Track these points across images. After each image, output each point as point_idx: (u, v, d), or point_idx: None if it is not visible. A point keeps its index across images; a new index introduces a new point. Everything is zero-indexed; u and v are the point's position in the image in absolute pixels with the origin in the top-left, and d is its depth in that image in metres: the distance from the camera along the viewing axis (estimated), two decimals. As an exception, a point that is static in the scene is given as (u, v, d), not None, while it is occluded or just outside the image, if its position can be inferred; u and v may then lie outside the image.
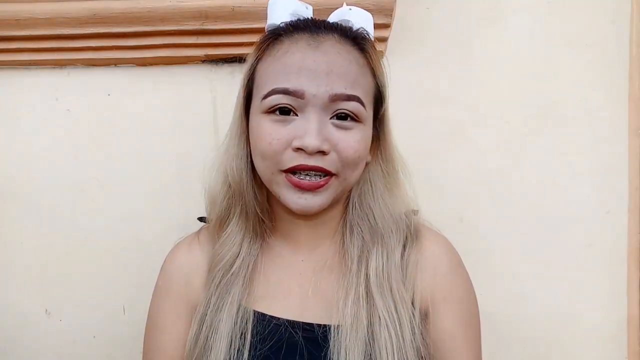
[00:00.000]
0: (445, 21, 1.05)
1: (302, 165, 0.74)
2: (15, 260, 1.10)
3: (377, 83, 0.80)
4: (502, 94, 1.06)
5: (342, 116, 0.76)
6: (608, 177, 1.06)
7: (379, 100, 0.81)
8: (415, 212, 0.85)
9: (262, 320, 0.79)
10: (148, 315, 0.88)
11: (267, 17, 0.84)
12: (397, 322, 0.76)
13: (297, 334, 0.78)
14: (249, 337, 0.78)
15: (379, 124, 0.82)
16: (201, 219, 0.90)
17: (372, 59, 0.79)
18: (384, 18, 0.99)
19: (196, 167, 1.05)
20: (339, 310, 0.77)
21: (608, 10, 1.05)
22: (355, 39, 0.79)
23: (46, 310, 1.10)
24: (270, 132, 0.75)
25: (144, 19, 1.00)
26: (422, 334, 0.79)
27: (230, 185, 0.82)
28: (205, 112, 1.08)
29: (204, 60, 1.06)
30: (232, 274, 0.81)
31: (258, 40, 0.81)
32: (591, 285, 1.07)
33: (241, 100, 0.82)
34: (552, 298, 1.07)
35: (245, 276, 0.81)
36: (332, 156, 0.75)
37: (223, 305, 0.79)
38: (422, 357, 0.78)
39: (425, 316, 0.80)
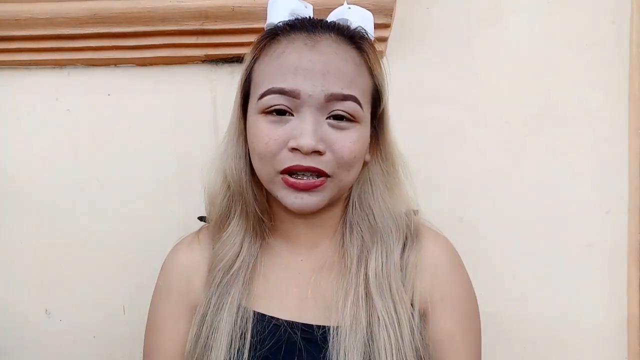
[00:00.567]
0: (445, 21, 1.05)
1: (297, 166, 0.74)
2: (15, 260, 1.10)
3: (374, 82, 0.80)
4: (502, 94, 1.06)
5: (338, 116, 0.75)
6: (608, 177, 1.06)
7: (376, 99, 0.81)
8: (415, 212, 0.85)
9: (262, 321, 0.79)
10: (148, 315, 0.88)
11: (266, 17, 0.84)
12: (396, 323, 0.76)
13: (297, 334, 0.78)
14: (248, 337, 0.78)
15: (378, 123, 0.82)
16: (201, 219, 0.90)
17: (369, 58, 0.79)
18: (384, 18, 0.99)
19: (196, 167, 1.05)
20: (338, 311, 0.77)
21: (608, 10, 1.05)
22: (352, 38, 0.79)
23: (46, 310, 1.10)
24: (266, 133, 0.75)
25: (144, 19, 1.00)
26: (421, 334, 0.79)
27: (229, 186, 0.82)
28: (205, 112, 1.08)
29: (204, 60, 1.06)
30: (232, 274, 0.81)
31: (255, 40, 0.81)
32: (591, 285, 1.07)
33: (239, 100, 0.82)
34: (552, 298, 1.07)
35: (245, 276, 0.81)
36: (328, 157, 0.75)
37: (223, 305, 0.79)
38: (421, 357, 0.78)
39: (424, 316, 0.80)
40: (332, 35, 0.78)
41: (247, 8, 0.99)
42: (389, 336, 0.75)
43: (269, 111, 0.75)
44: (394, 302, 0.77)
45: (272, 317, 0.79)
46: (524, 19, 1.05)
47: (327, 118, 0.75)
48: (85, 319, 1.10)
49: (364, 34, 0.81)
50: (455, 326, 0.80)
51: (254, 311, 0.80)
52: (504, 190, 1.07)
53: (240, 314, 0.79)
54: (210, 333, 0.79)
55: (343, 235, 0.82)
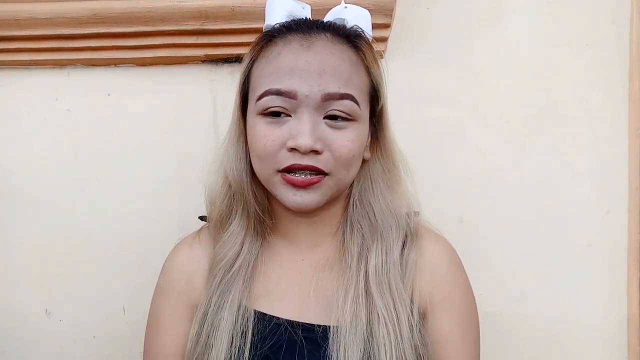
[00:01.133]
0: (445, 21, 1.05)
1: (295, 164, 0.74)
2: (15, 260, 1.10)
3: (371, 80, 0.80)
4: (502, 94, 1.06)
5: (335, 116, 0.76)
6: (608, 177, 1.06)
7: (374, 97, 0.81)
8: (416, 214, 0.85)
9: (263, 320, 0.79)
10: (149, 314, 0.88)
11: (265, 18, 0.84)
12: (395, 320, 0.76)
13: (297, 333, 0.78)
14: (249, 336, 0.78)
15: (377, 121, 0.82)
16: (202, 218, 0.90)
17: (366, 56, 0.79)
18: (384, 18, 0.99)
19: (196, 167, 1.05)
20: (339, 309, 0.77)
21: (608, 10, 1.05)
22: (348, 37, 0.79)
23: (46, 310, 1.10)
24: (264, 134, 0.76)
25: (144, 19, 1.00)
26: (420, 332, 0.79)
27: (230, 186, 0.83)
28: (205, 112, 1.08)
29: (204, 60, 1.06)
30: (233, 273, 0.81)
31: (253, 41, 0.82)
32: (591, 285, 1.07)
33: (238, 102, 0.83)
34: (552, 298, 1.07)
35: (245, 275, 0.81)
36: (326, 156, 0.75)
37: (224, 303, 0.80)
38: (420, 355, 0.78)
39: (423, 316, 0.81)
40: (328, 35, 0.78)
41: (247, 8, 0.99)
42: (388, 333, 0.75)
43: (266, 112, 0.76)
44: (393, 300, 0.77)
45: (273, 316, 0.80)
46: (524, 19, 1.05)
47: (324, 117, 0.76)
48: (85, 319, 1.10)
49: (360, 32, 0.81)
50: (454, 328, 0.81)
51: (255, 310, 0.80)
52: (504, 190, 1.07)
53: (241, 313, 0.79)
54: (211, 332, 0.79)
55: (344, 233, 0.83)
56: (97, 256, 1.09)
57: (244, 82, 0.81)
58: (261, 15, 0.97)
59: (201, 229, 0.90)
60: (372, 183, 0.83)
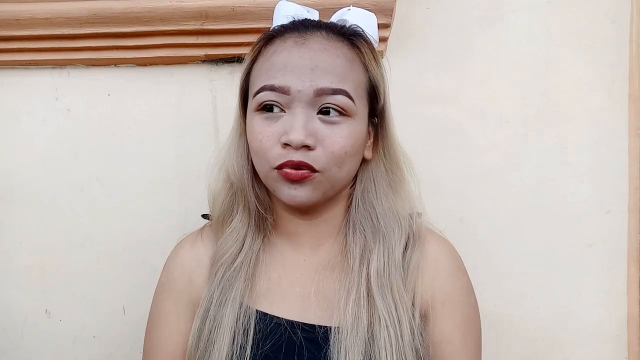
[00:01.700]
0: (445, 21, 1.05)
1: (288, 161, 0.75)
2: (15, 260, 1.10)
3: (369, 77, 0.80)
4: (502, 94, 1.06)
5: (328, 111, 0.76)
6: (608, 177, 1.06)
7: (373, 95, 0.81)
8: (419, 215, 0.85)
9: (264, 320, 0.80)
10: (150, 311, 0.88)
11: (269, 22, 0.85)
12: (396, 323, 0.76)
13: (298, 334, 0.78)
14: (251, 334, 0.78)
15: (379, 120, 0.82)
16: (205, 216, 0.90)
17: (363, 54, 0.80)
18: (384, 18, 0.99)
19: (196, 167, 1.06)
20: (340, 310, 0.78)
21: (608, 10, 1.05)
22: (344, 34, 0.80)
23: (46, 310, 1.10)
24: (260, 130, 0.77)
25: (144, 19, 1.00)
26: (421, 335, 0.79)
27: (232, 184, 0.83)
28: (205, 112, 1.08)
29: (204, 60, 1.06)
30: (234, 269, 0.81)
31: (254, 42, 0.83)
32: (591, 285, 1.07)
33: (239, 101, 0.84)
34: (552, 298, 1.07)
35: (247, 272, 0.81)
36: (318, 152, 0.75)
37: (226, 300, 0.80)
38: (421, 358, 0.78)
39: (425, 318, 0.81)
40: (323, 32, 0.79)
41: (247, 8, 0.99)
42: (389, 336, 0.75)
43: (261, 108, 0.77)
44: (394, 302, 0.77)
45: (274, 316, 0.80)
46: (524, 19, 1.05)
47: (317, 113, 0.76)
48: (85, 319, 1.10)
49: (360, 31, 0.82)
50: (455, 330, 0.81)
51: (256, 310, 0.80)
52: (504, 190, 1.07)
53: (242, 311, 0.79)
54: (213, 328, 0.79)
55: (346, 234, 0.83)
56: (97, 256, 1.09)
57: (244, 81, 0.82)
58: (261, 15, 0.98)
59: (203, 227, 0.90)
60: (374, 184, 0.83)
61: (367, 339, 0.76)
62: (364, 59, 0.80)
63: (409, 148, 0.86)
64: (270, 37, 0.81)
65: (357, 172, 0.82)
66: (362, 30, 0.82)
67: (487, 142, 1.07)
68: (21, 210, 1.10)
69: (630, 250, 1.06)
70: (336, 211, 0.83)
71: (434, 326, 0.80)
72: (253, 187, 0.82)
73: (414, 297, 0.80)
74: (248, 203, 0.82)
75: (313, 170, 0.75)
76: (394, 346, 0.75)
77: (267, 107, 0.76)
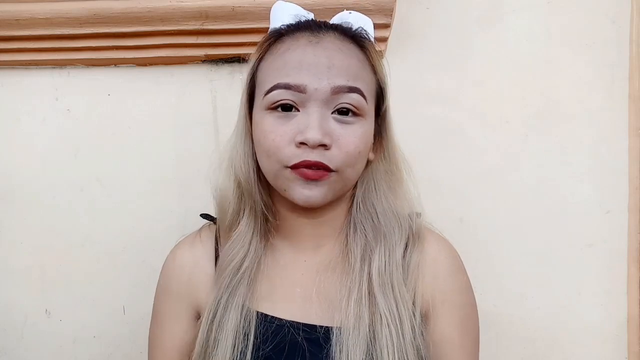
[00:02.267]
0: (445, 21, 1.05)
1: (305, 161, 0.74)
2: (15, 260, 1.10)
3: (377, 79, 0.81)
4: (502, 94, 1.06)
5: (343, 111, 0.76)
6: (608, 177, 1.06)
7: (380, 97, 0.81)
8: (418, 215, 0.85)
9: (265, 321, 0.80)
10: (152, 310, 0.88)
11: (269, 22, 0.84)
12: (398, 322, 0.76)
13: (299, 335, 0.78)
14: (252, 337, 0.78)
15: (381, 122, 0.83)
16: (204, 216, 0.90)
17: (372, 57, 0.80)
18: (384, 18, 0.99)
19: (196, 167, 1.06)
20: (342, 310, 0.77)
21: (608, 10, 1.05)
22: (354, 37, 0.81)
23: (46, 310, 1.10)
24: (272, 129, 0.76)
25: (144, 19, 1.00)
26: (422, 334, 0.79)
27: (239, 184, 0.82)
28: (205, 112, 1.08)
29: (204, 60, 1.06)
30: (240, 275, 0.81)
31: (261, 39, 0.82)
32: (591, 285, 1.07)
33: (244, 99, 0.82)
34: (552, 298, 1.07)
35: (250, 276, 0.81)
36: (334, 151, 0.75)
37: (231, 305, 0.80)
38: (422, 357, 0.78)
39: (425, 317, 0.81)
40: (336, 33, 0.79)
41: (247, 8, 0.99)
42: (390, 335, 0.76)
43: (274, 107, 0.76)
44: (396, 302, 0.77)
45: (275, 317, 0.80)
46: (524, 19, 1.05)
47: (332, 112, 0.76)
48: (85, 319, 1.10)
49: (366, 34, 0.82)
50: (454, 330, 0.81)
51: (257, 312, 0.80)
52: (504, 190, 1.07)
53: (244, 314, 0.79)
54: (218, 333, 0.79)
55: (347, 235, 0.83)
56: (97, 256, 1.09)
57: (251, 79, 0.81)
58: (261, 15, 0.97)
59: (202, 228, 0.89)
60: (375, 185, 0.83)
61: (368, 338, 0.76)
62: (373, 61, 0.80)
63: (409, 148, 0.86)
64: (279, 34, 0.80)
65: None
66: (368, 34, 0.83)
67: (487, 142, 1.07)
68: (21, 210, 1.10)
69: (630, 250, 1.06)
70: (338, 211, 0.83)
71: (434, 326, 0.81)
72: (259, 187, 0.82)
73: (414, 296, 0.80)
74: (254, 204, 0.82)
75: (329, 170, 0.75)
76: (395, 345, 0.75)
77: (283, 107, 0.76)
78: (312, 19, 0.83)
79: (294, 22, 0.81)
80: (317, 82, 0.75)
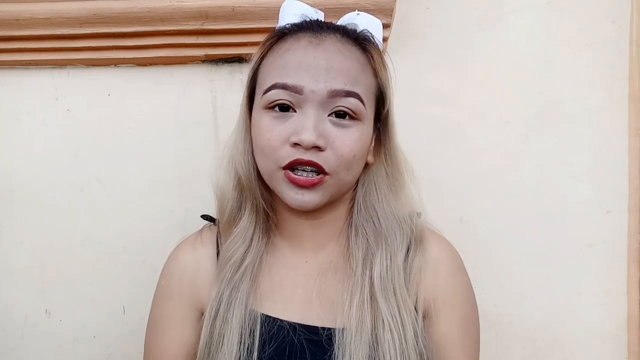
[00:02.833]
0: (445, 21, 1.05)
1: (298, 159, 0.74)
2: (15, 260, 1.10)
3: (378, 83, 0.80)
4: (502, 94, 1.06)
5: (340, 114, 0.76)
6: (608, 177, 1.06)
7: (380, 100, 0.81)
8: (418, 215, 0.85)
9: (267, 322, 0.80)
10: (150, 315, 0.88)
11: (269, 22, 0.84)
12: (400, 326, 0.76)
13: (301, 336, 0.78)
14: (257, 335, 0.78)
15: (382, 125, 0.83)
16: (205, 217, 0.90)
17: (374, 59, 0.80)
18: (384, 18, 0.99)
19: (196, 167, 1.06)
20: (344, 314, 0.77)
21: (608, 10, 1.05)
22: (357, 39, 0.80)
23: (46, 310, 1.10)
24: (269, 129, 0.76)
25: (144, 19, 1.00)
26: (424, 338, 0.79)
27: (240, 181, 0.82)
28: (205, 112, 1.08)
29: (204, 60, 1.06)
30: (242, 270, 0.81)
31: (264, 38, 0.82)
32: (591, 285, 1.07)
33: (245, 97, 0.83)
34: (552, 298, 1.07)
35: (252, 273, 0.81)
36: (328, 153, 0.75)
37: (234, 301, 0.80)
38: None
39: (427, 318, 0.81)
40: (337, 35, 0.79)
41: (247, 8, 0.99)
42: (393, 340, 0.76)
43: (272, 106, 0.76)
44: (398, 306, 0.77)
45: (277, 319, 0.80)
46: (524, 19, 1.05)
47: (329, 115, 0.76)
48: (85, 319, 1.10)
49: (370, 37, 0.82)
50: (454, 330, 0.81)
51: (260, 312, 0.80)
52: (504, 190, 1.07)
53: (247, 313, 0.79)
54: (222, 329, 0.79)
55: (348, 237, 0.83)
56: (97, 256, 1.09)
57: (252, 77, 0.81)
58: (261, 15, 0.97)
59: (202, 229, 0.89)
60: (376, 188, 0.83)
61: (371, 342, 0.76)
62: (375, 64, 0.80)
63: (409, 148, 0.86)
64: (282, 34, 0.80)
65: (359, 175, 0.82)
66: (373, 36, 0.82)
67: (487, 142, 1.07)
68: (21, 210, 1.10)
69: (630, 250, 1.06)
70: (338, 213, 0.83)
71: (435, 326, 0.81)
72: (259, 185, 0.82)
73: (416, 299, 0.80)
74: (255, 201, 0.82)
75: (323, 171, 0.75)
76: (397, 349, 0.75)
77: (280, 107, 0.76)
78: (316, 19, 0.83)
79: (298, 22, 0.81)
80: (315, 84, 0.74)
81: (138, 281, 1.06)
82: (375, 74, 0.80)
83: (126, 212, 1.09)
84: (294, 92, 0.75)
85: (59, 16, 1.00)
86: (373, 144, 0.82)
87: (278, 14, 0.86)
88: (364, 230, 0.82)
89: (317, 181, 0.75)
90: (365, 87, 0.78)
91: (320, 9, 0.87)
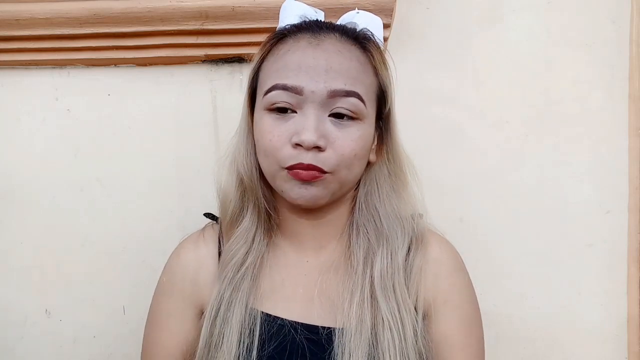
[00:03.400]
0: (445, 21, 1.05)
1: (299, 164, 0.75)
2: (15, 260, 1.10)
3: (379, 82, 0.80)
4: (502, 94, 1.06)
5: (340, 114, 0.76)
6: (608, 177, 1.06)
7: (381, 99, 0.81)
8: (420, 216, 0.86)
9: (268, 321, 0.80)
10: (149, 311, 0.88)
11: (269, 22, 0.84)
12: (400, 326, 0.77)
13: (301, 335, 0.78)
14: (257, 334, 0.78)
15: (384, 124, 0.83)
16: (208, 215, 0.90)
17: (374, 58, 0.80)
18: (384, 18, 0.98)
19: (196, 167, 1.06)
20: (344, 312, 0.78)
21: (608, 10, 1.05)
22: (356, 38, 0.80)
23: (46, 310, 1.10)
24: (270, 130, 0.76)
25: (144, 19, 1.00)
26: (424, 337, 0.79)
27: (242, 181, 0.82)
28: (205, 112, 1.08)
29: (204, 60, 1.06)
30: (243, 270, 0.81)
31: (265, 39, 0.82)
32: (591, 285, 1.07)
33: (247, 98, 0.83)
34: (552, 298, 1.07)
35: (253, 273, 0.81)
36: (329, 153, 0.75)
37: (234, 301, 0.80)
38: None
39: (427, 318, 0.81)
40: (337, 34, 0.79)
41: (247, 8, 0.99)
42: (392, 338, 0.76)
43: (273, 107, 0.77)
44: (398, 305, 0.78)
45: (277, 317, 0.80)
46: (524, 19, 1.05)
47: (329, 115, 0.76)
48: (85, 319, 1.10)
49: (370, 35, 0.82)
50: (455, 330, 0.81)
51: (261, 311, 0.80)
52: (504, 190, 1.07)
53: (248, 312, 0.79)
54: (222, 328, 0.79)
55: (349, 236, 0.83)
56: (97, 256, 1.09)
57: (253, 78, 0.82)
58: (261, 15, 0.97)
59: (205, 227, 0.90)
60: (378, 187, 0.83)
61: (370, 341, 0.76)
62: (375, 63, 0.80)
63: (409, 148, 0.86)
64: (282, 35, 0.81)
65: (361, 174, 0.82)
66: (372, 35, 0.82)
67: (487, 142, 1.07)
68: (21, 210, 1.10)
69: (630, 250, 1.06)
70: (340, 212, 0.83)
71: (435, 326, 0.81)
72: (261, 186, 0.82)
73: (417, 299, 0.80)
74: (257, 201, 0.82)
75: (323, 172, 0.75)
76: (397, 348, 0.75)
77: (281, 109, 0.76)
78: (315, 20, 0.83)
79: (297, 23, 0.82)
80: (314, 84, 0.75)
81: (138, 281, 1.06)
82: (376, 73, 0.80)
83: (126, 212, 1.09)
84: (294, 93, 0.75)
85: (59, 16, 1.00)
86: (375, 143, 0.83)
87: (278, 14, 0.86)
88: (365, 230, 0.82)
89: (319, 175, 0.76)
90: (365, 86, 0.78)
91: (320, 9, 0.87)
